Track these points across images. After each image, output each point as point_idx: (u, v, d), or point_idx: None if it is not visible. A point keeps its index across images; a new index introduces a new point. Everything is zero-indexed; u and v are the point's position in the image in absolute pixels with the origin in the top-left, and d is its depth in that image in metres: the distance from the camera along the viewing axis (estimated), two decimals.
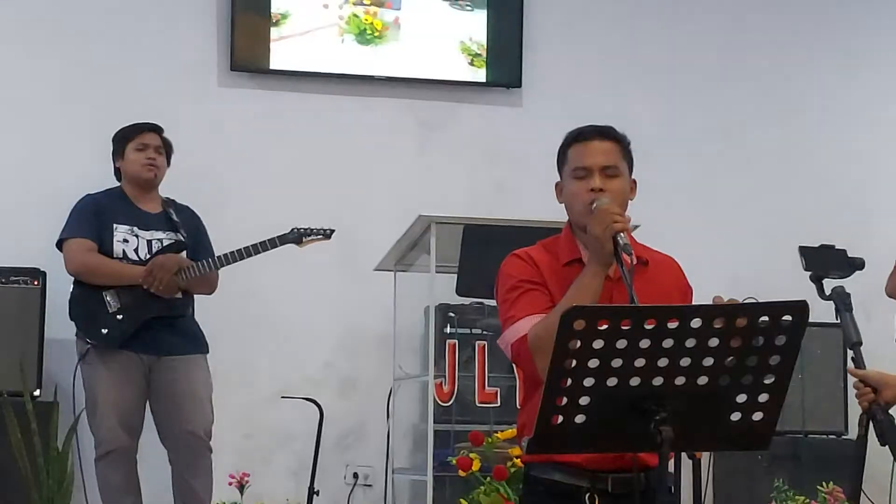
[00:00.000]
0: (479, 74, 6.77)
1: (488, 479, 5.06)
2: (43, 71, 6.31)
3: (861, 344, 3.74)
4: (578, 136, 3.16)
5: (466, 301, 6.01)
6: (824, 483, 5.59)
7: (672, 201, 6.65)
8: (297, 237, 5.46)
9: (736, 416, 2.66)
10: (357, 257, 5.89)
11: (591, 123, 3.19)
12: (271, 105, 6.56)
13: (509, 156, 6.76)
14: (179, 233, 5.44)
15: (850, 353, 3.82)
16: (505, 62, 6.80)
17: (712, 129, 7.02)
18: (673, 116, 6.95)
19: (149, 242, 5.39)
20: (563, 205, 3.19)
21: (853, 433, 6.44)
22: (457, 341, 5.63)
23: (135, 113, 6.10)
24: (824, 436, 6.53)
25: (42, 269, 5.87)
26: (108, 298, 5.30)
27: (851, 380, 3.78)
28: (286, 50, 6.53)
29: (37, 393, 5.67)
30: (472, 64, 6.75)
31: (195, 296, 5.50)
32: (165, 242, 5.41)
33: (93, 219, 5.41)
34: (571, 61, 6.91)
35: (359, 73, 6.62)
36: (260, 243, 5.38)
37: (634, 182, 3.20)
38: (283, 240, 5.43)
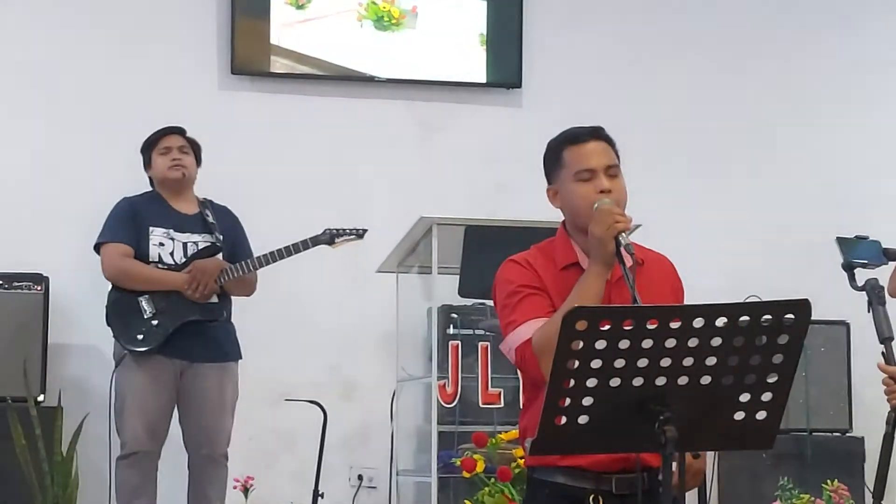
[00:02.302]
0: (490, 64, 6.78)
1: (492, 480, 5.06)
2: (42, 77, 6.31)
3: (893, 339, 3.71)
4: (574, 138, 3.14)
5: (469, 302, 6.00)
6: (829, 481, 5.58)
7: (673, 201, 6.64)
8: (330, 238, 5.49)
9: (739, 416, 2.65)
10: (359, 259, 5.88)
11: (579, 125, 3.17)
12: (272, 108, 6.57)
13: (510, 156, 6.76)
14: (215, 234, 5.46)
15: (881, 347, 3.77)
16: (504, 63, 6.80)
17: (713, 129, 7.01)
18: (673, 116, 6.94)
19: (184, 245, 5.42)
20: (558, 209, 3.17)
21: (858, 431, 6.49)
22: (460, 342, 5.62)
23: (136, 117, 6.12)
24: (829, 433, 6.53)
25: (45, 275, 5.87)
26: (143, 304, 5.33)
27: (881, 376, 3.74)
28: (305, 34, 6.55)
29: (41, 398, 5.67)
30: (486, 53, 6.77)
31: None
32: (201, 245, 5.43)
33: (129, 223, 5.43)
34: (571, 62, 6.91)
35: (365, 72, 6.63)
36: (293, 245, 5.41)
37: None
38: (315, 241, 5.46)
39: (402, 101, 6.72)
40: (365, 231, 5.56)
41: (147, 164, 5.57)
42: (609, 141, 3.15)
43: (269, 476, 6.06)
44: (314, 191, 6.51)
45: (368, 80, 6.67)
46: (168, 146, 5.51)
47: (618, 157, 3.16)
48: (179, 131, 5.58)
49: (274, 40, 6.54)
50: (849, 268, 4.09)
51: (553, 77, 6.87)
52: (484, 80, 6.81)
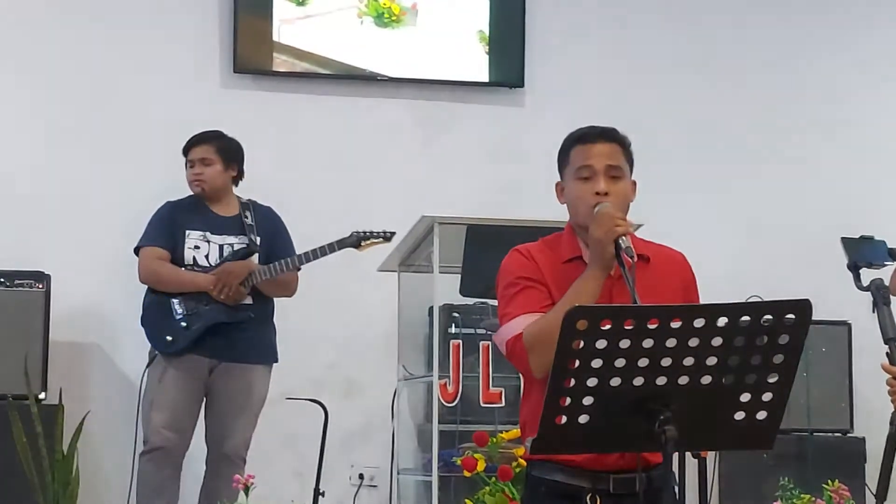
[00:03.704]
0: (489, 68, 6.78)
1: (493, 479, 5.06)
2: (44, 76, 6.31)
3: None
4: (582, 138, 3.15)
5: (470, 301, 6.00)
6: (830, 481, 5.57)
7: (676, 200, 6.64)
8: (357, 241, 5.50)
9: (740, 416, 2.66)
10: (361, 258, 5.87)
11: (594, 124, 3.19)
12: (274, 107, 6.57)
13: (512, 156, 6.76)
14: (251, 236, 5.47)
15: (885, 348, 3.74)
16: (507, 62, 6.80)
17: (717, 128, 7.01)
18: (677, 115, 6.94)
19: (220, 247, 5.46)
20: (564, 205, 3.19)
21: (859, 431, 6.48)
22: (461, 341, 5.63)
23: (139, 116, 6.12)
24: (830, 434, 6.52)
25: (46, 273, 5.87)
26: (175, 306, 5.36)
27: (885, 376, 3.73)
28: (307, 30, 6.56)
29: (42, 396, 5.67)
30: (488, 52, 6.77)
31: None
32: (236, 247, 5.45)
33: (166, 227, 5.49)
34: (574, 61, 6.91)
35: (366, 68, 6.63)
36: (320, 248, 5.44)
37: (634, 183, 3.20)
38: (342, 244, 5.48)
39: (405, 100, 6.73)
40: (393, 234, 5.58)
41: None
42: (621, 143, 3.16)
43: (270, 475, 6.04)
44: (316, 189, 6.51)
45: (371, 78, 6.67)
46: (191, 159, 5.54)
47: (630, 159, 3.17)
48: (205, 139, 5.57)
49: (275, 37, 6.54)
50: (854, 268, 4.09)
51: (556, 77, 6.87)
52: (486, 80, 6.81)
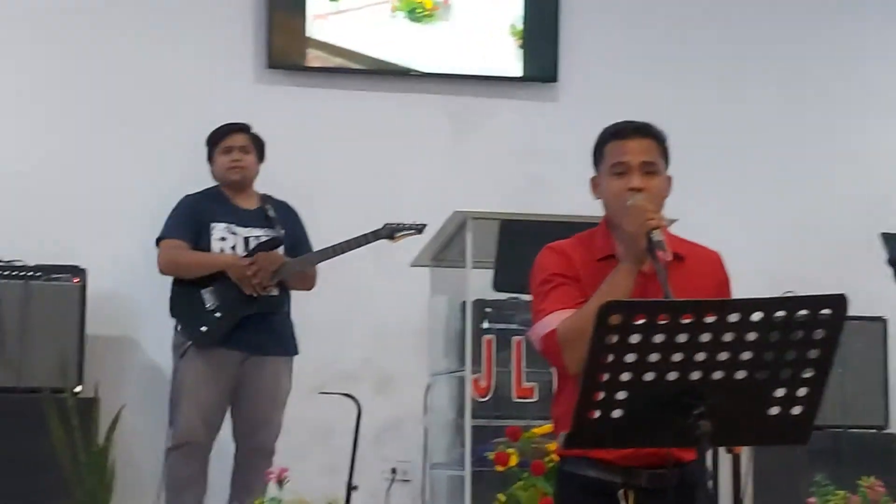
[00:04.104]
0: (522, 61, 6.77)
1: (526, 474, 5.06)
2: (81, 71, 6.34)
3: None
4: (617, 133, 3.15)
5: (503, 296, 5.99)
6: (865, 477, 5.55)
7: (710, 196, 6.62)
8: (390, 233, 5.52)
9: (775, 411, 2.65)
10: (393, 253, 5.88)
11: (629, 119, 3.18)
12: (307, 102, 6.59)
13: (545, 151, 6.75)
14: (276, 229, 5.51)
15: None
16: (541, 57, 6.79)
17: (751, 124, 6.98)
18: (711, 111, 6.92)
19: (246, 239, 5.49)
20: (599, 200, 3.19)
21: (894, 427, 6.45)
22: (493, 336, 5.63)
23: (173, 110, 6.15)
24: (865, 430, 6.49)
25: (82, 267, 5.90)
26: (205, 296, 5.39)
27: None
28: (340, 25, 6.57)
29: (78, 389, 5.71)
30: (521, 47, 6.76)
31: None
32: (263, 239, 5.47)
33: (187, 219, 5.52)
34: (608, 56, 6.90)
35: (399, 63, 6.64)
36: (354, 239, 5.46)
37: (670, 178, 3.19)
38: (376, 235, 5.49)
39: (437, 96, 6.73)
40: (424, 226, 5.59)
41: (210, 159, 5.63)
42: (657, 138, 3.15)
43: (303, 468, 6.05)
44: (349, 185, 6.53)
45: (404, 73, 6.68)
46: (230, 145, 5.57)
47: (666, 155, 3.16)
48: (243, 129, 5.63)
49: (308, 32, 6.56)
50: (894, 263, 4.06)
51: (590, 71, 6.86)
52: (520, 75, 6.80)
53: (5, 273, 5.80)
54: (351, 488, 5.59)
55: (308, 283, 5.63)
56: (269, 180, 6.12)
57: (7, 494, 5.46)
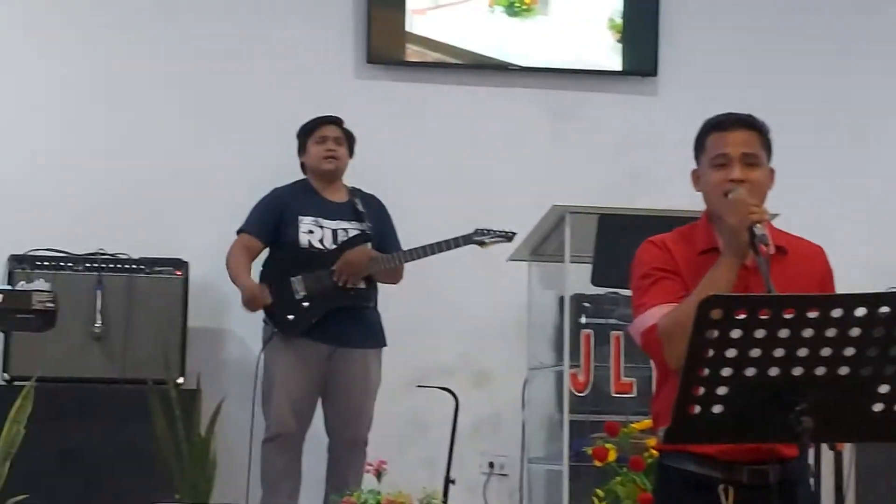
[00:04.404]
0: (620, 52, 6.73)
1: (625, 469, 5.04)
2: (182, 65, 6.42)
3: None
4: (718, 125, 3.13)
5: (601, 291, 5.97)
6: None
7: (812, 190, 6.53)
8: (480, 238, 5.55)
9: (878, 407, 2.62)
10: (491, 247, 5.89)
11: (730, 111, 3.16)
12: (406, 97, 6.61)
13: (644, 145, 6.71)
14: (365, 223, 5.55)
15: None
16: (641, 50, 6.75)
17: (854, 117, 6.88)
18: (813, 104, 6.82)
19: (334, 232, 5.54)
20: (700, 193, 3.17)
21: None
22: (592, 331, 5.62)
23: (274, 105, 6.21)
24: None
25: (185, 260, 5.98)
26: (294, 285, 5.45)
27: None
28: (439, 20, 6.60)
29: (180, 381, 5.79)
30: (618, 41, 6.72)
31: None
32: (351, 232, 5.53)
33: (266, 215, 5.60)
34: (708, 49, 6.83)
35: (497, 58, 6.64)
36: (444, 242, 5.51)
37: (772, 171, 3.16)
38: (466, 240, 5.54)
39: (536, 90, 6.72)
40: (514, 234, 5.62)
41: (301, 150, 5.69)
42: (759, 130, 3.13)
43: (401, 461, 6.10)
44: (447, 179, 6.54)
45: (502, 68, 6.68)
46: (325, 136, 5.63)
47: (768, 147, 3.13)
48: (337, 121, 5.71)
49: (407, 27, 6.58)
50: None
51: (690, 65, 6.80)
52: (619, 68, 6.77)
53: (109, 266, 5.89)
54: (448, 482, 5.61)
55: (395, 277, 5.67)
56: (367, 174, 6.16)
57: (111, 484, 5.56)
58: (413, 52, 6.61)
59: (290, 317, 5.44)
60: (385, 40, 6.57)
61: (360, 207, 5.62)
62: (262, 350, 5.53)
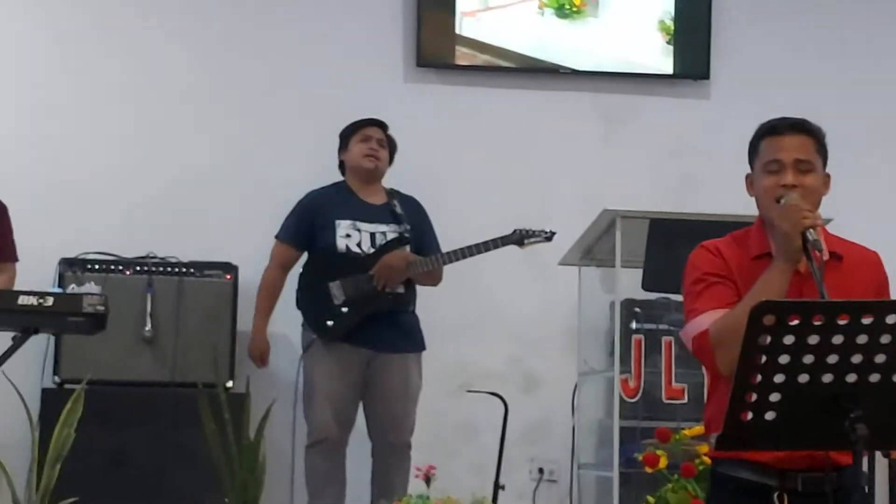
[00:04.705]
0: (671, 55, 6.69)
1: (676, 476, 5.00)
2: (231, 68, 6.45)
3: None
4: (772, 129, 3.11)
5: (652, 296, 5.93)
6: None
7: (869, 195, 6.47)
8: (520, 239, 5.54)
9: None
10: (541, 251, 5.87)
11: (785, 116, 3.13)
12: (456, 100, 6.60)
13: (696, 149, 6.67)
14: (403, 225, 5.55)
15: None
16: (693, 54, 6.71)
17: None
18: (868, 109, 6.75)
19: (371, 235, 5.53)
20: (753, 198, 3.14)
21: None
22: (643, 336, 5.58)
23: (323, 108, 6.22)
24: None
25: (234, 264, 6.00)
26: (333, 290, 5.45)
27: None
28: (488, 22, 6.59)
29: (229, 384, 5.80)
30: (668, 43, 6.68)
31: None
32: (389, 236, 5.53)
33: (302, 222, 5.63)
34: (762, 52, 6.78)
35: (547, 60, 6.62)
36: (483, 243, 5.49)
37: (828, 176, 3.14)
38: (505, 241, 5.52)
39: (587, 93, 6.69)
40: (553, 234, 5.60)
41: (343, 149, 5.70)
42: (813, 135, 3.10)
43: (450, 466, 6.09)
44: (497, 183, 6.53)
45: (553, 71, 6.65)
46: (369, 135, 5.65)
47: (823, 152, 3.11)
48: (382, 125, 5.72)
49: (457, 29, 6.58)
50: None
51: (743, 68, 6.75)
52: (671, 72, 6.72)
53: (160, 269, 5.92)
54: (498, 487, 5.59)
55: (434, 279, 5.65)
56: (417, 178, 6.16)
57: (160, 487, 5.58)
58: (462, 55, 6.60)
59: (329, 322, 5.44)
60: (435, 43, 6.57)
61: (398, 210, 5.60)
62: (303, 355, 5.54)
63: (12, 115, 5.92)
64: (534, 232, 5.55)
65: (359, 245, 5.52)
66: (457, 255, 5.51)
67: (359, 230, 5.53)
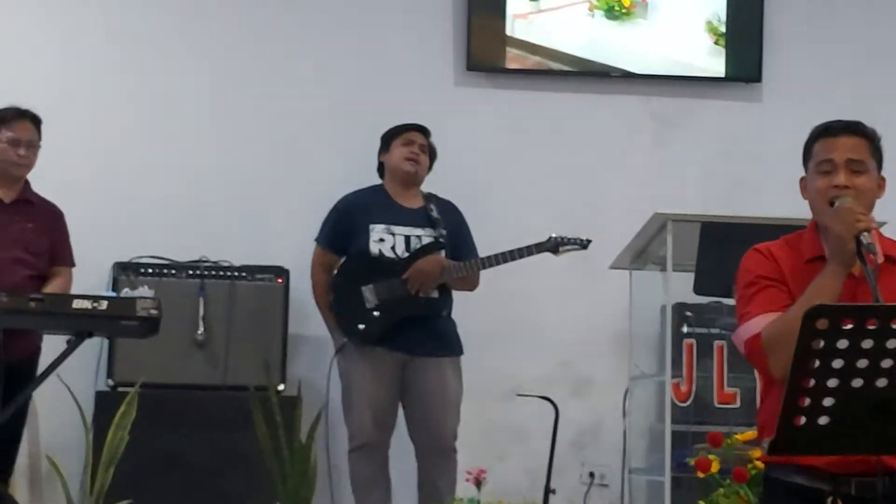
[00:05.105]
0: (721, 56, 6.65)
1: (728, 481, 4.97)
2: (281, 72, 6.48)
3: None
4: (825, 131, 3.10)
5: (704, 300, 5.90)
6: None
7: None
8: (555, 246, 5.52)
9: None
10: (592, 255, 5.86)
11: (839, 118, 3.11)
12: (507, 104, 6.60)
13: (748, 152, 6.63)
14: (438, 229, 5.55)
15: None
16: (744, 56, 6.67)
17: None
18: None
19: (406, 239, 5.53)
20: (806, 201, 3.13)
21: None
22: (694, 341, 5.56)
23: (373, 112, 6.23)
24: None
25: (286, 267, 6.03)
26: (366, 294, 5.45)
27: None
28: (539, 24, 6.59)
29: (281, 387, 5.82)
30: (716, 43, 6.65)
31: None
32: (424, 240, 5.53)
33: (337, 227, 5.63)
34: (814, 55, 6.73)
35: (598, 61, 6.61)
36: (518, 250, 5.47)
37: (883, 180, 3.11)
38: (540, 248, 5.50)
39: (638, 96, 6.67)
40: (589, 241, 5.56)
41: (383, 150, 5.70)
42: (868, 137, 3.08)
43: (501, 470, 6.09)
44: (548, 186, 6.52)
45: (604, 74, 6.63)
46: (412, 140, 5.65)
47: (878, 155, 3.09)
48: (426, 131, 5.72)
49: (508, 31, 6.57)
50: None
51: (795, 71, 6.70)
52: (722, 74, 6.69)
53: (212, 273, 5.96)
54: (549, 492, 5.58)
55: (470, 284, 5.63)
56: (468, 182, 6.17)
57: (213, 490, 5.61)
58: (514, 56, 6.59)
59: (361, 326, 5.44)
60: (484, 47, 6.57)
61: (434, 213, 5.59)
62: (335, 357, 5.55)
63: (65, 123, 5.97)
64: (569, 239, 5.52)
65: (393, 249, 5.51)
66: (491, 261, 5.49)
67: (393, 234, 5.53)
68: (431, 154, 5.75)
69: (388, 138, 5.71)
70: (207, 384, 5.80)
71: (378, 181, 5.77)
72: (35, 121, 5.21)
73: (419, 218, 5.59)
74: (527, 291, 6.38)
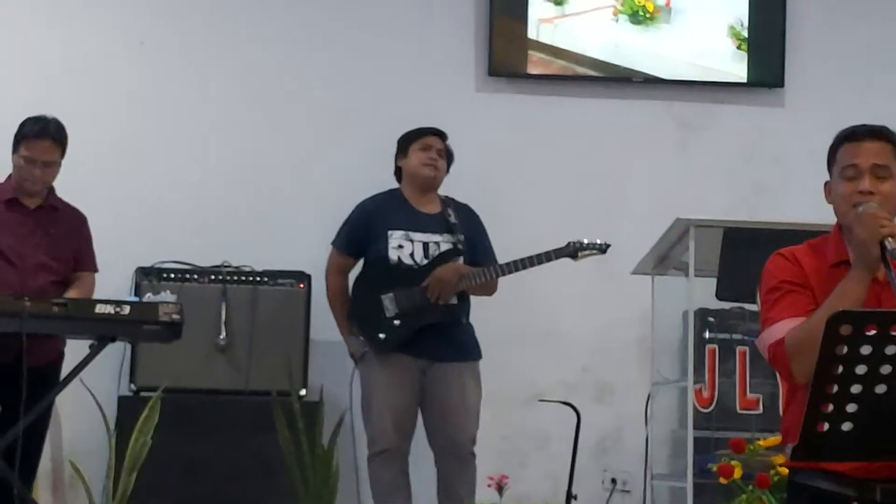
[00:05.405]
0: (744, 61, 6.64)
1: (750, 487, 4.96)
2: (303, 76, 6.49)
3: None
4: (850, 136, 3.10)
5: (727, 305, 5.89)
6: None
7: None
8: (573, 251, 5.50)
9: None
10: (614, 260, 5.86)
11: (863, 123, 3.10)
12: (529, 109, 6.59)
13: (770, 157, 6.62)
14: (456, 235, 5.54)
15: None
16: (767, 61, 6.66)
17: None
18: None
19: (424, 245, 5.51)
20: (831, 206, 3.12)
21: None
22: (717, 346, 5.54)
23: (394, 117, 6.23)
24: None
25: (308, 273, 6.03)
26: (385, 303, 5.45)
27: None
28: (563, 28, 6.60)
29: (303, 393, 5.83)
30: (739, 48, 6.64)
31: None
32: (443, 247, 5.51)
33: (354, 232, 5.62)
34: (837, 60, 6.71)
35: (621, 65, 6.61)
36: (536, 256, 5.45)
37: None
38: (559, 253, 5.48)
39: (661, 101, 6.66)
40: (608, 246, 5.55)
41: (401, 155, 5.69)
42: (893, 142, 3.09)
43: (522, 475, 6.09)
44: (570, 191, 6.52)
45: (626, 79, 6.63)
46: (430, 144, 5.63)
47: None
48: (443, 135, 5.70)
49: (531, 35, 6.57)
50: None
51: (818, 76, 6.69)
52: (744, 80, 6.68)
53: (234, 278, 5.97)
54: (571, 497, 5.58)
55: (489, 290, 5.62)
56: (490, 186, 6.17)
57: (235, 494, 5.62)
58: (535, 61, 6.59)
59: (382, 335, 5.43)
60: (506, 52, 6.57)
61: (452, 219, 5.58)
62: (356, 366, 5.55)
63: (89, 127, 5.99)
64: (588, 244, 5.51)
65: (411, 256, 5.50)
66: (510, 267, 5.48)
67: (411, 240, 5.52)
68: (449, 158, 5.74)
69: (406, 142, 5.70)
70: (229, 389, 5.81)
71: (395, 185, 5.77)
72: (56, 138, 5.06)
73: (437, 224, 5.58)
74: (549, 296, 6.37)
